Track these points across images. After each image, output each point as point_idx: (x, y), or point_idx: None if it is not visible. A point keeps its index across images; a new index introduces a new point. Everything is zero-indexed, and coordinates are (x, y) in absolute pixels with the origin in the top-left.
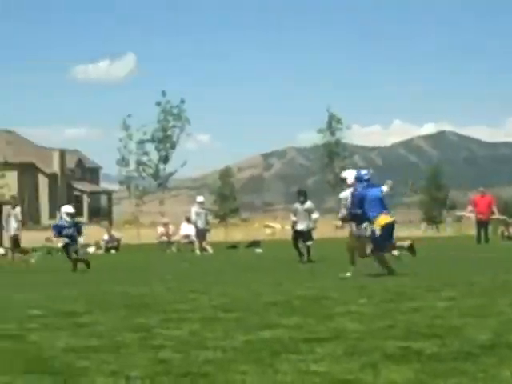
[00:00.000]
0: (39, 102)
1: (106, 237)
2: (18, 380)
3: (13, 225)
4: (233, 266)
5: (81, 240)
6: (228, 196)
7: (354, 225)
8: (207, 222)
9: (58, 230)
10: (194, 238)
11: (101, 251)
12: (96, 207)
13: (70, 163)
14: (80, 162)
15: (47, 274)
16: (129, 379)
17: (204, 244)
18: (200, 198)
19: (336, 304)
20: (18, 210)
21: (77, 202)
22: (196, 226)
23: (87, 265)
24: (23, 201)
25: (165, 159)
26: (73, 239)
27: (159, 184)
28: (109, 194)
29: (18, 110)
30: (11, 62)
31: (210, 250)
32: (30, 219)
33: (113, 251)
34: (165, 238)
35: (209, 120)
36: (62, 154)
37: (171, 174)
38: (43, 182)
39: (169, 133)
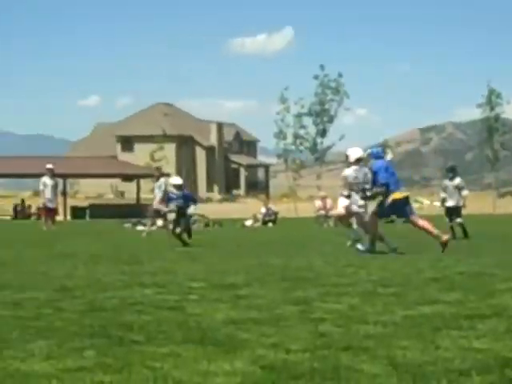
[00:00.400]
0: (197, 76)
1: (263, 210)
2: (178, 350)
3: (157, 196)
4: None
5: (191, 209)
6: None
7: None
8: None
9: (166, 202)
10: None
11: (258, 224)
12: (253, 180)
13: (228, 136)
14: (237, 135)
15: (206, 247)
16: (289, 352)
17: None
18: None
19: (498, 281)
20: (161, 180)
21: (234, 176)
22: None
23: (184, 243)
24: (180, 173)
25: (322, 133)
26: (181, 212)
27: (316, 158)
28: (266, 167)
29: (177, 83)
30: (170, 36)
31: None
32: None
33: (270, 224)
34: (322, 212)
35: (366, 94)
36: (220, 127)
37: (329, 148)
38: (201, 155)
39: (326, 106)
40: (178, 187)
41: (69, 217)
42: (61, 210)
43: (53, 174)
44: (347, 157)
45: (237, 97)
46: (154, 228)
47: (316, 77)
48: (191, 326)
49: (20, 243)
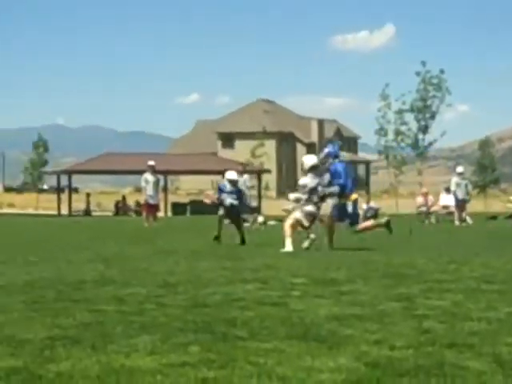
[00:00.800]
0: (299, 72)
1: (364, 206)
2: (282, 346)
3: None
4: (492, 237)
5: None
6: (487, 167)
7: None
8: (467, 193)
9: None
10: (453, 208)
11: None
12: (353, 177)
13: (329, 133)
14: (338, 132)
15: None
16: (393, 348)
17: (463, 215)
18: (460, 169)
19: None
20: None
21: None
22: (456, 197)
23: (215, 238)
24: (281, 170)
25: (424, 129)
26: (232, 208)
27: (418, 154)
28: (367, 163)
29: (278, 80)
30: (263, 33)
31: (469, 220)
32: (288, 188)
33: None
34: (423, 209)
35: (468, 89)
36: (321, 123)
37: (430, 144)
38: (301, 152)
39: (428, 103)
40: (232, 183)
41: (170, 213)
42: (162, 206)
43: (154, 171)
44: (302, 164)
45: (338, 93)
46: (256, 224)
47: (418, 73)
48: (294, 321)
49: (122, 239)
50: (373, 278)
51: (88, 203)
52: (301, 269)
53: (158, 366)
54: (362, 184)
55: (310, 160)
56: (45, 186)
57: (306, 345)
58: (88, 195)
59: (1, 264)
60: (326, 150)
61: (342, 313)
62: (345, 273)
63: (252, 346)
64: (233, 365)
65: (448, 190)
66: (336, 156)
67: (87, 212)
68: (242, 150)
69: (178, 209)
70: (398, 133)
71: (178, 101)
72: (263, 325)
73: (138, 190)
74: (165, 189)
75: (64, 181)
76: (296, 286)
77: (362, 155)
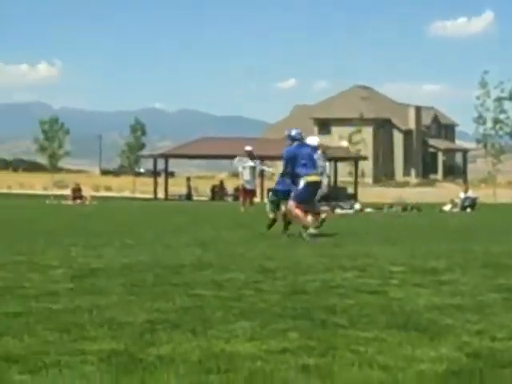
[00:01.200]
0: (397, 59)
1: (462, 195)
2: (382, 335)
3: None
4: None
5: None
6: None
7: None
8: None
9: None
10: None
11: (456, 209)
12: (451, 165)
13: (426, 120)
14: (435, 119)
15: (405, 231)
16: (495, 340)
17: None
18: None
19: None
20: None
21: (431, 160)
22: None
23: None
24: (377, 157)
25: None
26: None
27: None
28: (464, 151)
29: (376, 66)
30: (360, 19)
31: None
32: (385, 175)
33: (468, 210)
34: None
35: None
36: (418, 110)
37: None
38: (398, 139)
39: None
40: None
41: (266, 199)
42: (258, 191)
43: (251, 156)
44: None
45: (436, 80)
46: (351, 211)
47: None
48: (394, 310)
49: (219, 224)
50: (472, 268)
51: (189, 187)
52: (399, 257)
53: (257, 351)
54: (459, 172)
55: (312, 141)
56: (141, 170)
57: (407, 334)
58: (188, 179)
59: (99, 247)
60: (292, 132)
61: (442, 302)
62: (444, 262)
63: (352, 334)
64: (333, 353)
65: None
66: (293, 139)
67: (188, 196)
68: (338, 136)
69: None
70: (496, 121)
71: (276, 86)
72: (363, 313)
73: (234, 174)
74: (261, 174)
75: (160, 164)
76: (395, 275)
77: (459, 143)
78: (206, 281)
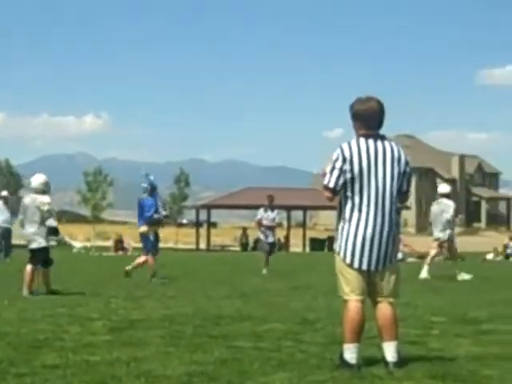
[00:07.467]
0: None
1: (506, 242)
2: None
3: None
4: None
5: None
6: None
7: None
8: None
9: None
10: None
11: (500, 258)
12: (494, 213)
13: (470, 168)
14: (479, 167)
15: (448, 280)
16: None
17: None
18: None
19: None
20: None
21: (475, 208)
22: None
23: None
24: (420, 205)
25: None
26: None
27: None
28: (508, 200)
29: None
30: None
31: None
32: (429, 225)
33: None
34: None
35: None
36: (462, 159)
37: None
38: None
39: None
40: None
41: (307, 248)
42: (300, 241)
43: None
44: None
45: (481, 128)
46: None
47: None
48: (434, 361)
49: (259, 275)
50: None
51: (246, 237)
52: (441, 307)
53: None
54: (503, 220)
55: (442, 188)
56: (184, 221)
57: None
58: (245, 230)
59: (140, 298)
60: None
61: (482, 352)
62: (486, 312)
63: None
64: None
65: None
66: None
67: (244, 246)
68: None
69: (316, 244)
70: None
71: (323, 135)
72: (401, 364)
73: (278, 224)
74: (303, 224)
75: (203, 215)
76: (435, 325)
77: (503, 191)
78: (246, 332)
